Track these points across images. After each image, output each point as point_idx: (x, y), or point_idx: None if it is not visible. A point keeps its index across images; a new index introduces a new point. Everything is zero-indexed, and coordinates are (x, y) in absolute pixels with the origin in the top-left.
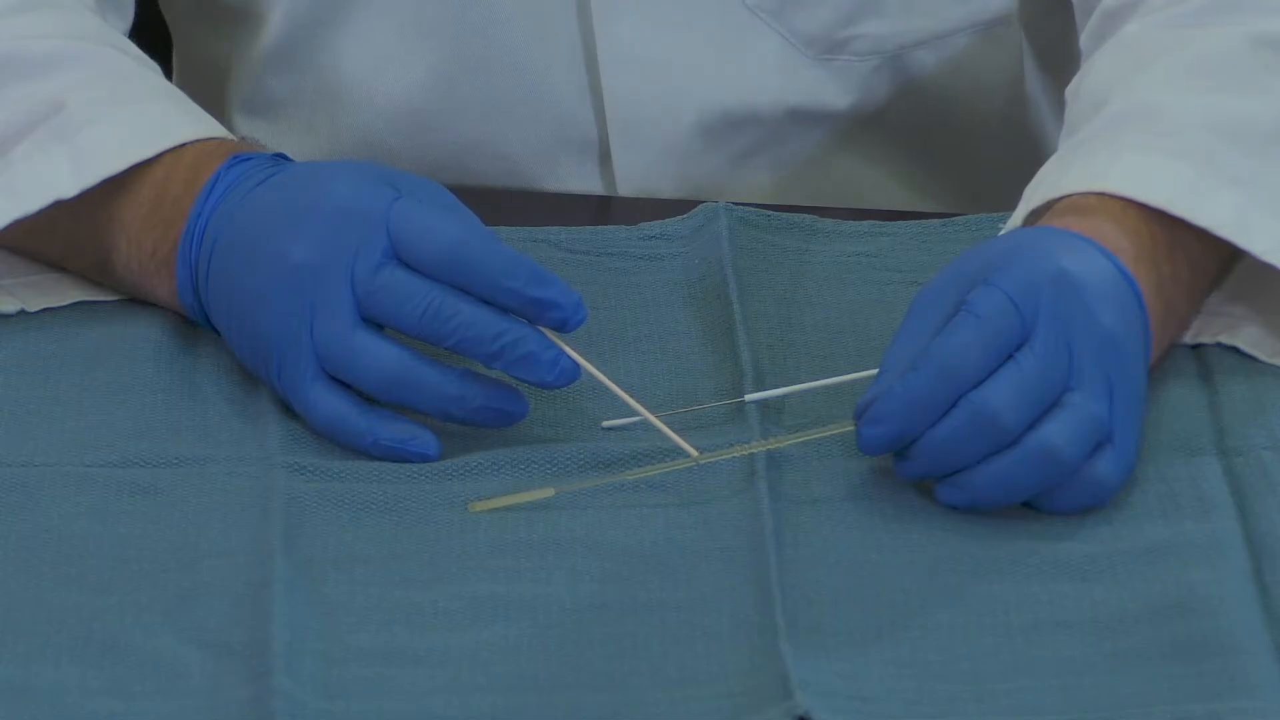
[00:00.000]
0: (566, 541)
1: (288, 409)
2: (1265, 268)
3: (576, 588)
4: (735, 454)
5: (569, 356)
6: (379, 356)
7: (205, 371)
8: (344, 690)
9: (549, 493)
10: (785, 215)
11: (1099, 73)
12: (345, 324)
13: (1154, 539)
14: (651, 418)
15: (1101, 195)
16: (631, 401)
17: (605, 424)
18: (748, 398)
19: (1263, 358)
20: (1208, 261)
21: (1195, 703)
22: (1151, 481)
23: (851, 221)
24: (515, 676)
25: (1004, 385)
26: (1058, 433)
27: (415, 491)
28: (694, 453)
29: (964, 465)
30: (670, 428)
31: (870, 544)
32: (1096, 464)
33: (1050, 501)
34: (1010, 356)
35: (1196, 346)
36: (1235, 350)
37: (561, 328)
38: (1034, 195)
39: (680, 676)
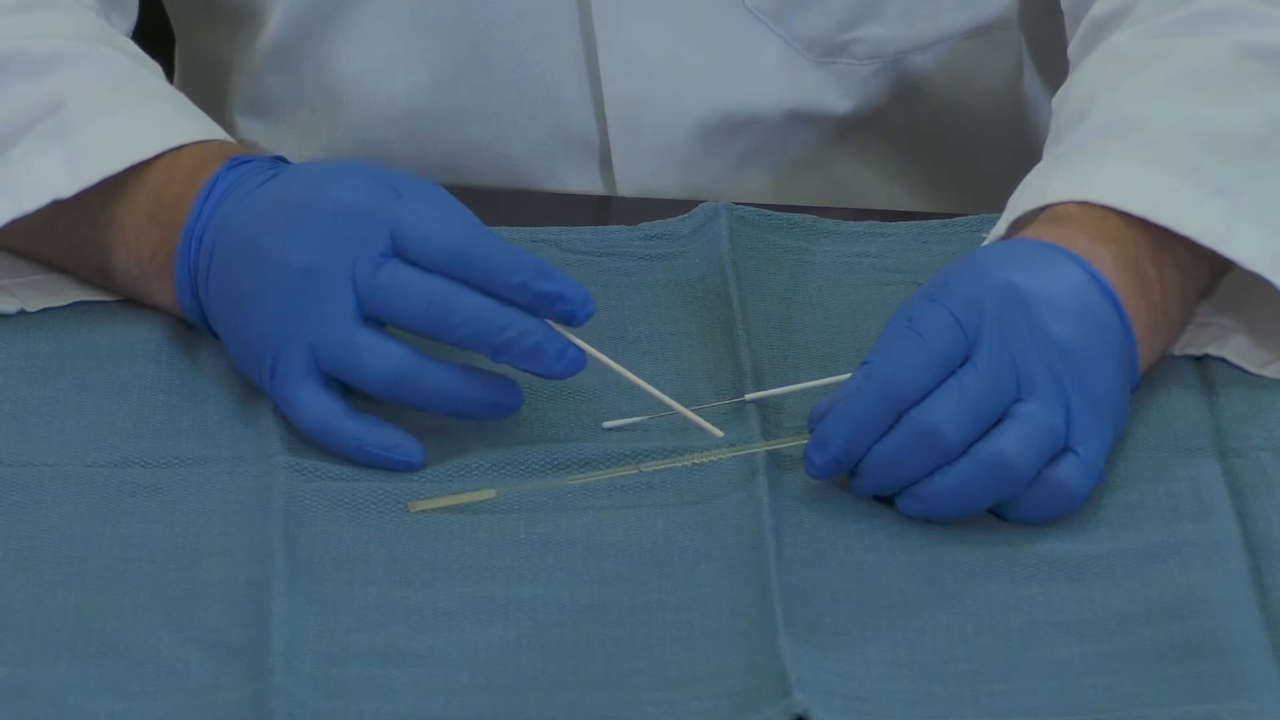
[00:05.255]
0: (566, 542)
1: None
2: (1253, 277)
3: (576, 588)
4: (721, 456)
5: (575, 345)
6: (381, 355)
7: (206, 372)
8: (344, 690)
9: (491, 494)
10: (786, 215)
11: (1084, 82)
12: (347, 323)
13: (1152, 540)
14: (669, 400)
15: (1083, 204)
16: (641, 382)
17: (607, 425)
18: (748, 397)
19: (1251, 369)
20: (1198, 267)
21: (1193, 704)
22: (1150, 482)
23: (852, 222)
24: (515, 676)
25: (945, 400)
26: (1007, 442)
27: (415, 492)
28: (718, 433)
29: (912, 480)
30: (669, 428)
31: (869, 544)
32: (1058, 471)
33: (1016, 510)
34: (953, 372)
35: None
36: None
37: (569, 321)
38: (1016, 205)
39: (680, 676)
